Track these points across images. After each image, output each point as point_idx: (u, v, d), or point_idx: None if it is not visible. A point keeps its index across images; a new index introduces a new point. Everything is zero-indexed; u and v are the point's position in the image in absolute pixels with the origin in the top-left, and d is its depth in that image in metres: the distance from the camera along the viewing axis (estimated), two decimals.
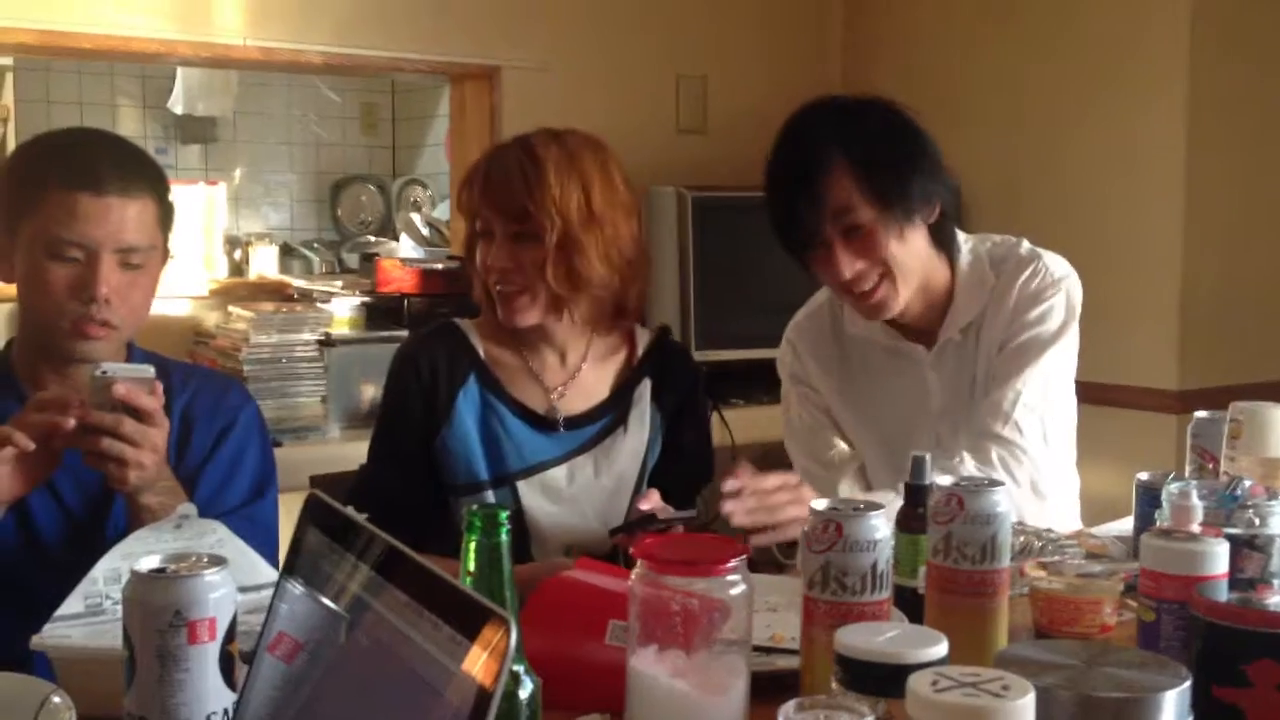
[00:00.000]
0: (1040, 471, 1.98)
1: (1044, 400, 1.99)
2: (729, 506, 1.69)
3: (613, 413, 2.01)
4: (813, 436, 2.18)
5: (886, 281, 1.96)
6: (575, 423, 1.99)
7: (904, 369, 2.10)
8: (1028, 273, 2.04)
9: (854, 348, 2.17)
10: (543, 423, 1.98)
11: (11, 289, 1.77)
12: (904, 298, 1.99)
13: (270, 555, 1.68)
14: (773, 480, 1.73)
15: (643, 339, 2.06)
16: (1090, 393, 3.46)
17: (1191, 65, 3.29)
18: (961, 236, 2.07)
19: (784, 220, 1.96)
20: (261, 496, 1.83)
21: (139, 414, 1.56)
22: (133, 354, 1.81)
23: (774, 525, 1.71)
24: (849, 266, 1.94)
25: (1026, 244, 2.11)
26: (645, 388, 2.03)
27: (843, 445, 2.17)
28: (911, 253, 1.96)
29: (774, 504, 1.71)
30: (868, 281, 1.96)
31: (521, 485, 1.95)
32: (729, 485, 1.70)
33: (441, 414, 1.95)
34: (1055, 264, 2.06)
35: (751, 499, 1.70)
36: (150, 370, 1.60)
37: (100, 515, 1.73)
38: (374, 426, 2.05)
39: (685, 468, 2.03)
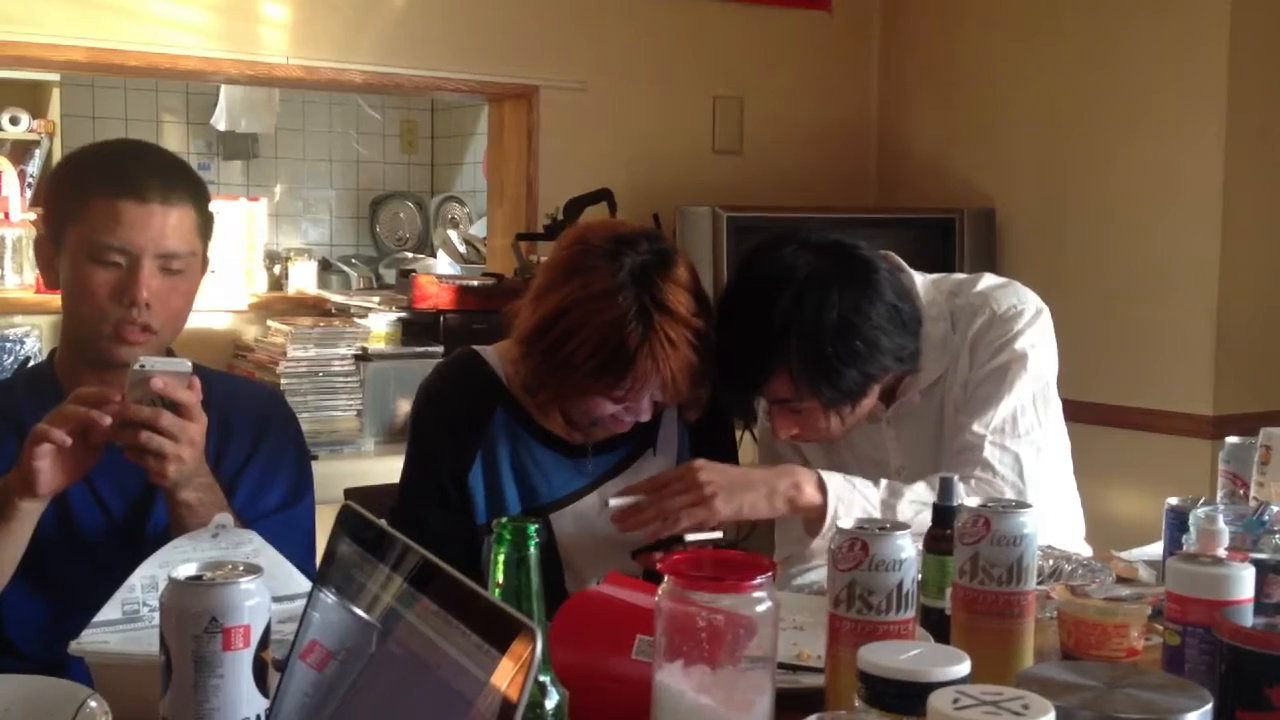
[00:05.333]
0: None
1: (1014, 435, 1.94)
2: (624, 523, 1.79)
3: (640, 435, 1.96)
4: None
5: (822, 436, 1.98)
6: (602, 448, 1.95)
7: (865, 420, 2.03)
8: (980, 322, 1.98)
9: None
10: (571, 451, 1.94)
11: (56, 301, 1.81)
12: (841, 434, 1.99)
13: (306, 560, 1.69)
14: (662, 478, 1.82)
15: None
16: (1125, 417, 3.49)
17: (1230, 92, 3.28)
18: (921, 287, 2.00)
19: (722, 376, 1.90)
20: (298, 501, 1.84)
21: (177, 407, 1.57)
22: None
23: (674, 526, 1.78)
24: (784, 430, 1.94)
25: (984, 282, 2.04)
26: (671, 407, 2.00)
27: None
28: (855, 418, 1.94)
29: (668, 509, 1.78)
30: (804, 437, 1.98)
31: (554, 517, 1.91)
32: (615, 503, 1.80)
33: (469, 449, 1.91)
34: (1006, 300, 2.00)
35: (649, 511, 1.78)
36: (187, 365, 1.61)
37: (141, 514, 1.75)
38: (405, 465, 1.99)
39: None
